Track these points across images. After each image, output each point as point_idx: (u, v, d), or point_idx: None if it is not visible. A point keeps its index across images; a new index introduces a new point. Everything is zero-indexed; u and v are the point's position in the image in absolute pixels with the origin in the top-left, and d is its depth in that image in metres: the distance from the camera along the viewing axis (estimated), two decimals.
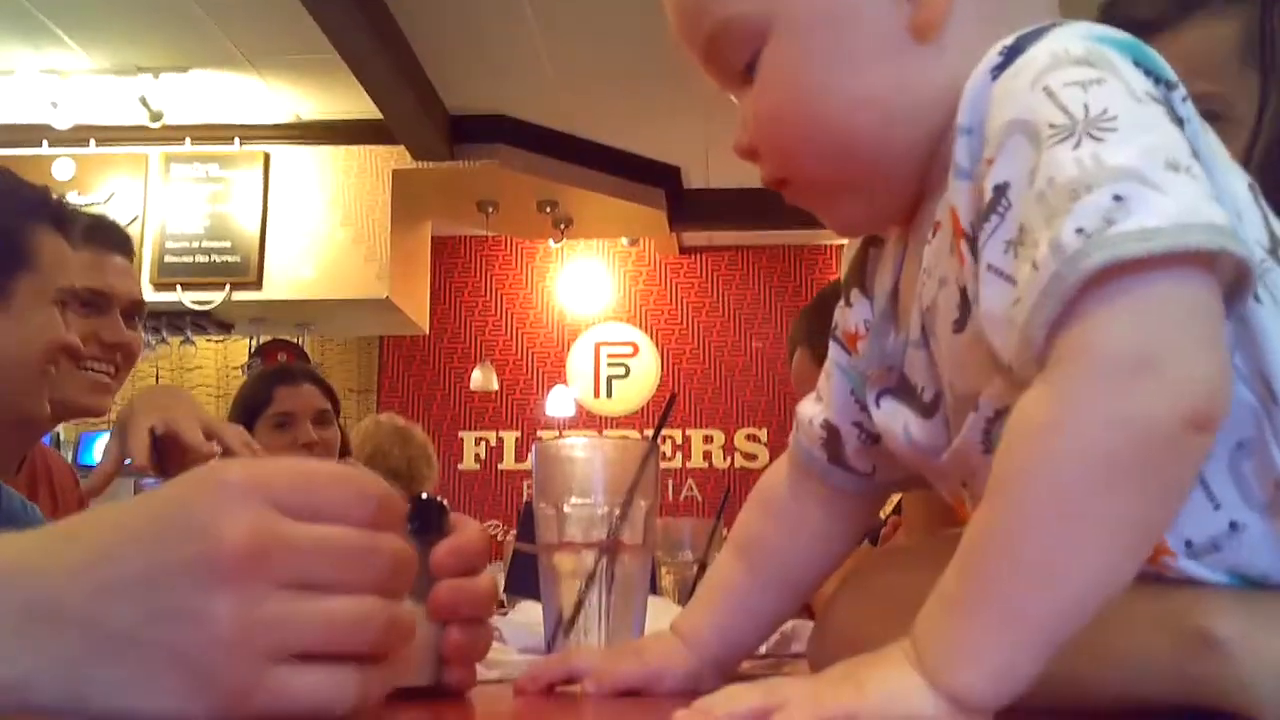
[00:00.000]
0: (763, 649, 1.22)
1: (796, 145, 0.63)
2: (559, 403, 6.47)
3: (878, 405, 0.67)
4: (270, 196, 5.08)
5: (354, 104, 4.73)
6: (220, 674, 0.45)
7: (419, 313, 5.61)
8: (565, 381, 6.66)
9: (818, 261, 6.70)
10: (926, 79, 0.59)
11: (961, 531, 0.69)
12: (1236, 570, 0.55)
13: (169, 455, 1.42)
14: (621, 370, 6.71)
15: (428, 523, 0.62)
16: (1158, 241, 0.44)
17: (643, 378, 6.69)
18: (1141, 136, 0.48)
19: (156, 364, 6.11)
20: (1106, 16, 1.11)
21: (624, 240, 6.61)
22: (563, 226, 5.80)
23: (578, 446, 0.93)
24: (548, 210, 5.61)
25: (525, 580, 1.11)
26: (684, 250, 6.72)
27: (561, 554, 0.90)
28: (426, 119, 4.74)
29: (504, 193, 5.42)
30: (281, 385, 2.53)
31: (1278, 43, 1.03)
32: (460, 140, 5.07)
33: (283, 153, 5.14)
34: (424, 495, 0.63)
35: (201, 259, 5.01)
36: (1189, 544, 0.54)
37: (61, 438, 5.52)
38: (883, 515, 3.72)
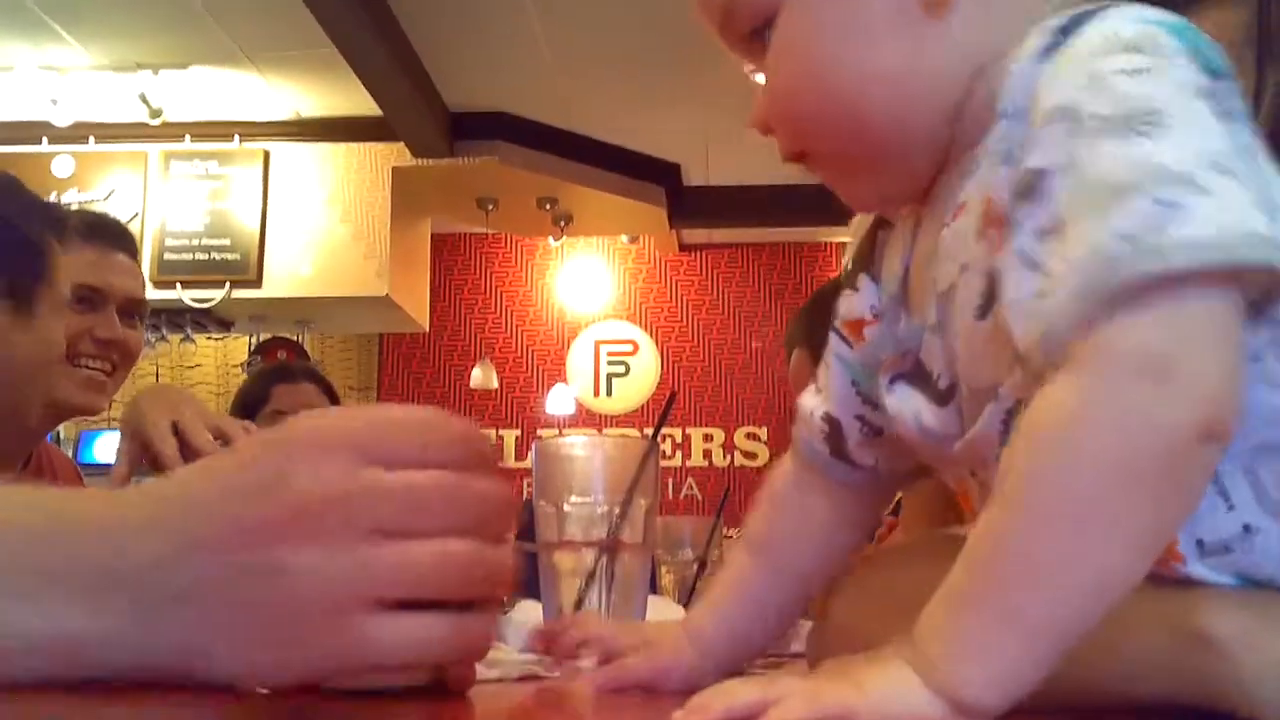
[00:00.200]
0: None
1: (808, 119, 0.63)
2: (559, 401, 6.47)
3: (890, 390, 0.66)
4: (270, 194, 5.08)
5: (354, 101, 4.73)
6: (307, 628, 0.44)
7: (419, 310, 5.61)
8: (565, 379, 6.66)
9: (818, 259, 6.70)
10: (939, 53, 0.59)
11: (959, 530, 0.69)
12: (1244, 573, 0.55)
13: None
14: (621, 368, 6.71)
15: None
16: (1204, 254, 0.44)
17: (643, 376, 6.69)
18: (1189, 136, 0.47)
19: (156, 362, 6.11)
20: None
21: (624, 238, 6.60)
22: (562, 224, 5.80)
23: (578, 445, 0.93)
24: (547, 207, 5.61)
25: (525, 579, 1.11)
26: (684, 248, 6.72)
27: (561, 553, 0.90)
28: (426, 116, 4.74)
29: (504, 190, 5.42)
30: (279, 383, 2.53)
31: (1274, 32, 1.02)
32: (460, 137, 5.07)
33: (282, 150, 5.14)
34: None
35: (201, 257, 5.00)
36: (1200, 544, 0.54)
37: (61, 435, 5.52)
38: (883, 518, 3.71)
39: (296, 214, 5.08)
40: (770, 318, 6.61)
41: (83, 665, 0.45)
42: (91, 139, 4.99)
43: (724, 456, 6.59)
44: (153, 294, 4.87)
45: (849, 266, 0.74)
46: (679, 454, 6.54)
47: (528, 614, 0.98)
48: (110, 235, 1.87)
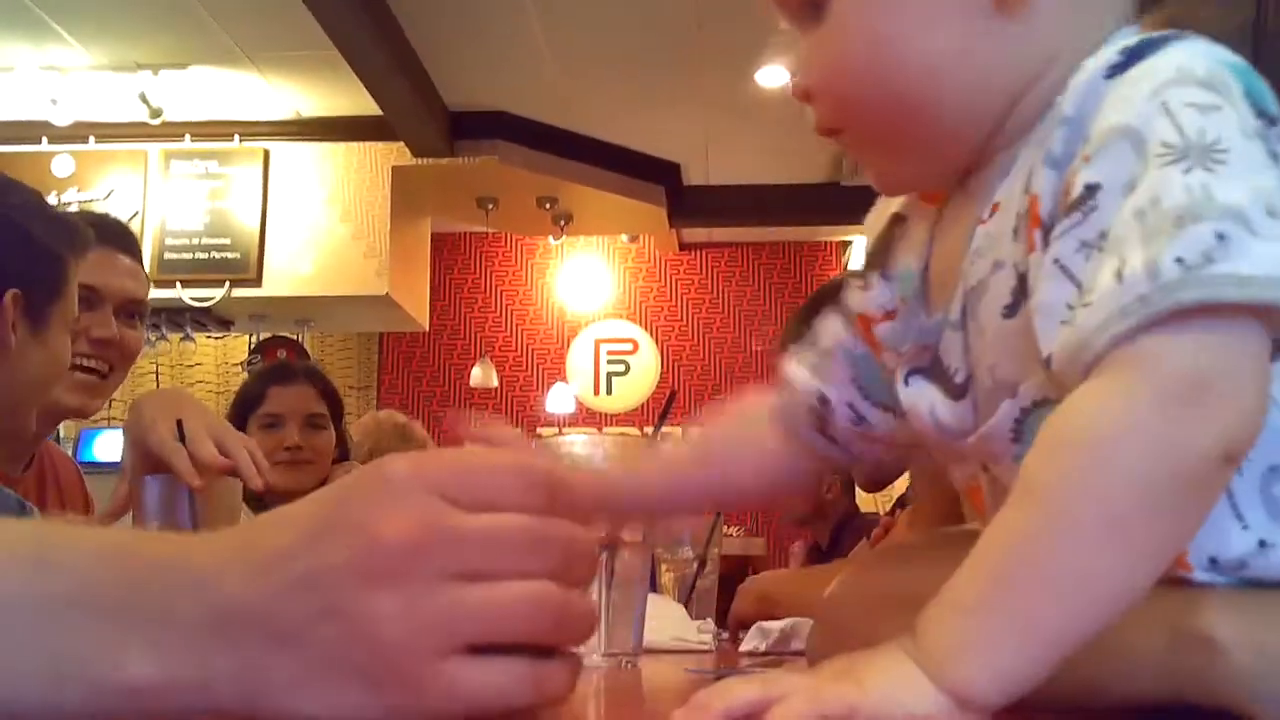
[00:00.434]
0: (763, 646, 1.23)
1: (857, 96, 0.62)
2: (559, 400, 6.47)
3: (906, 384, 0.66)
4: (270, 193, 5.08)
5: (354, 101, 4.73)
6: (390, 672, 0.44)
7: (419, 309, 5.61)
8: (565, 378, 6.66)
9: (818, 258, 6.70)
10: (1002, 52, 0.59)
11: (961, 530, 0.69)
12: (1255, 581, 0.55)
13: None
14: (621, 367, 6.71)
15: None
16: (1251, 291, 0.45)
17: (642, 374, 6.69)
18: (1250, 176, 0.48)
19: (156, 361, 6.11)
20: None
21: (624, 237, 6.61)
22: (562, 223, 5.80)
23: (578, 443, 0.93)
24: (547, 207, 5.61)
25: None
26: (684, 247, 6.72)
27: None
28: (426, 115, 4.74)
29: (504, 189, 5.42)
30: (275, 384, 2.50)
31: (1269, 33, 1.06)
32: (460, 136, 5.07)
33: (282, 149, 5.14)
34: None
35: (201, 256, 5.01)
36: (1214, 561, 0.55)
37: (61, 434, 5.52)
38: (880, 514, 3.72)
39: (296, 213, 5.08)
40: (770, 317, 6.61)
41: (183, 709, 0.46)
42: (91, 138, 4.99)
43: None
44: (152, 293, 4.85)
45: (863, 260, 0.74)
46: None
47: None
48: (111, 235, 1.86)
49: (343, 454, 2.57)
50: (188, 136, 5.06)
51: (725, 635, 1.44)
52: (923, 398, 0.64)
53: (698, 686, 0.49)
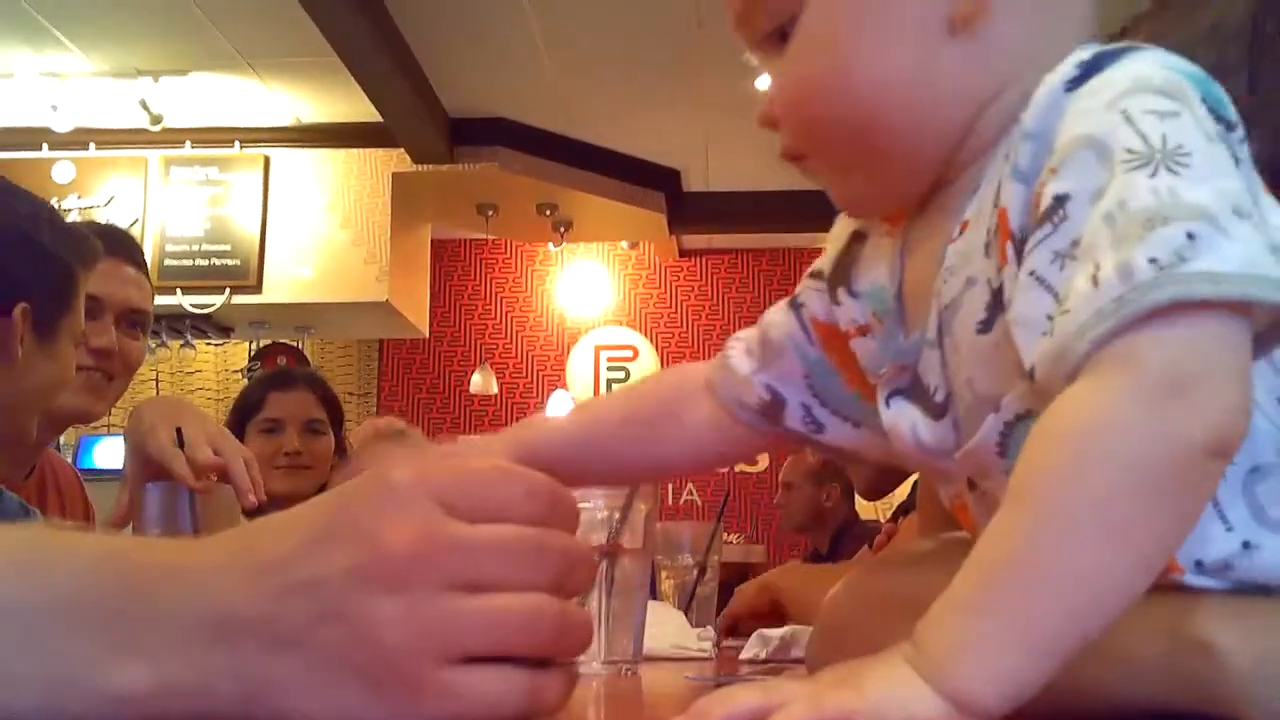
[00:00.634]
0: (763, 654, 1.22)
1: (820, 119, 0.63)
2: (559, 406, 6.47)
3: (887, 406, 0.66)
4: (270, 199, 5.09)
5: (354, 107, 4.74)
6: (388, 677, 0.44)
7: (419, 316, 5.62)
8: (565, 385, 6.66)
9: None
10: (961, 71, 0.59)
11: (960, 536, 0.69)
12: (1243, 583, 0.55)
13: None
14: (621, 374, 6.70)
15: None
16: (1224, 287, 0.46)
17: None
18: (1214, 178, 0.48)
19: (156, 368, 6.11)
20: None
21: (623, 243, 6.61)
22: (562, 229, 5.80)
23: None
24: (547, 213, 5.62)
25: None
26: (684, 253, 6.72)
27: None
28: (426, 121, 4.75)
29: (504, 196, 5.42)
30: (275, 390, 2.51)
31: (1266, 37, 1.08)
32: (460, 143, 5.07)
33: (283, 156, 5.14)
34: None
35: (201, 262, 5.01)
36: (1199, 564, 0.55)
37: (61, 441, 5.51)
38: (881, 521, 3.72)
39: (297, 219, 5.09)
40: None
41: (182, 714, 0.46)
42: (92, 145, 5.00)
43: None
44: (154, 300, 4.89)
45: (822, 270, 0.74)
46: None
47: None
48: (117, 245, 1.86)
49: (340, 459, 2.57)
50: (188, 143, 5.07)
51: (725, 641, 1.44)
52: (904, 418, 0.65)
53: (698, 694, 0.49)
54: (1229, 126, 0.52)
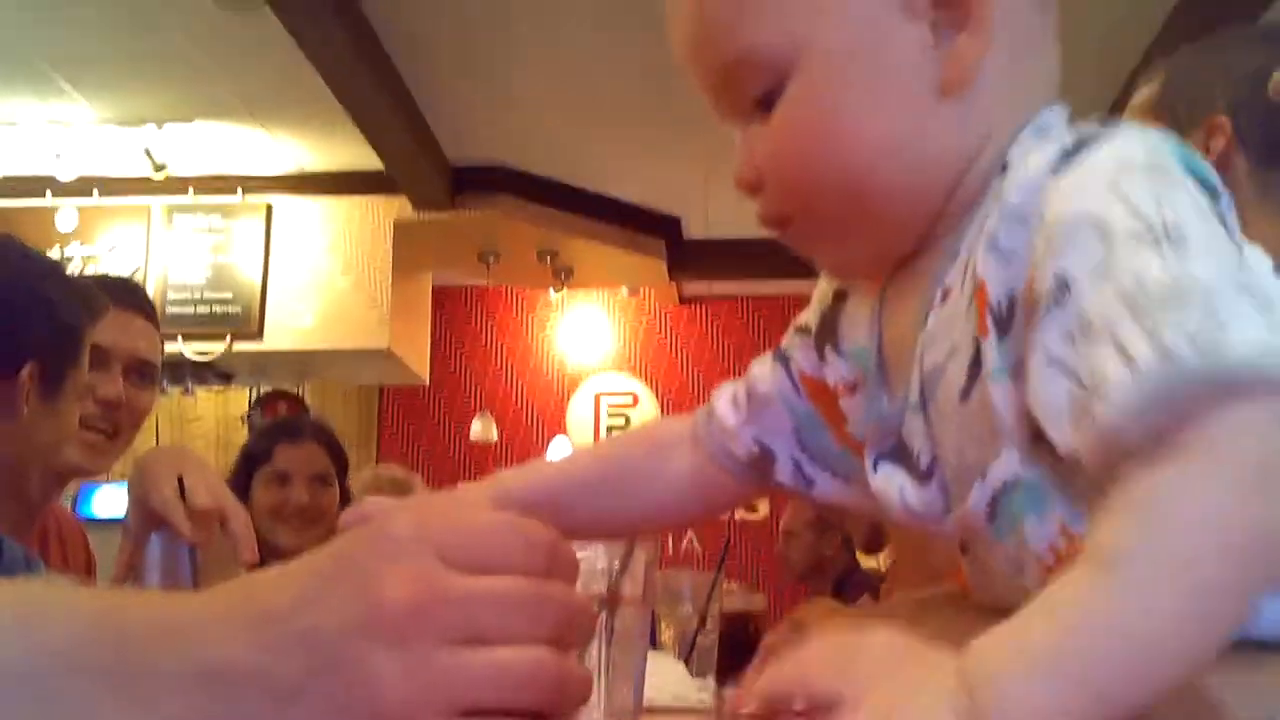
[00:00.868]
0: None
1: (811, 181, 0.63)
2: (559, 453, 6.45)
3: (874, 470, 0.66)
4: (272, 247, 5.10)
5: (356, 155, 4.77)
6: None
7: (419, 363, 5.62)
8: (565, 432, 6.64)
9: None
10: (947, 133, 0.60)
11: (949, 589, 0.69)
12: (1249, 641, 0.55)
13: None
14: (621, 421, 6.69)
15: None
16: (1267, 361, 0.45)
17: None
18: (1215, 253, 0.49)
19: (156, 415, 6.11)
20: None
21: (624, 290, 6.63)
22: (563, 276, 5.82)
23: None
24: (548, 260, 5.63)
25: None
26: (684, 300, 6.74)
27: None
28: (428, 169, 4.77)
29: (505, 243, 5.44)
30: (283, 442, 2.50)
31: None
32: (461, 191, 5.09)
33: (285, 203, 5.17)
34: None
35: (203, 309, 5.02)
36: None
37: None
38: (880, 568, 3.69)
39: (298, 267, 5.10)
40: None
41: None
42: (95, 192, 5.02)
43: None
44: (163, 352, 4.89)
45: (809, 326, 0.75)
46: None
47: None
48: (127, 297, 1.86)
49: (345, 506, 2.57)
50: (191, 190, 5.09)
51: (725, 691, 1.42)
52: (892, 483, 0.65)
53: None
54: (1213, 194, 0.52)
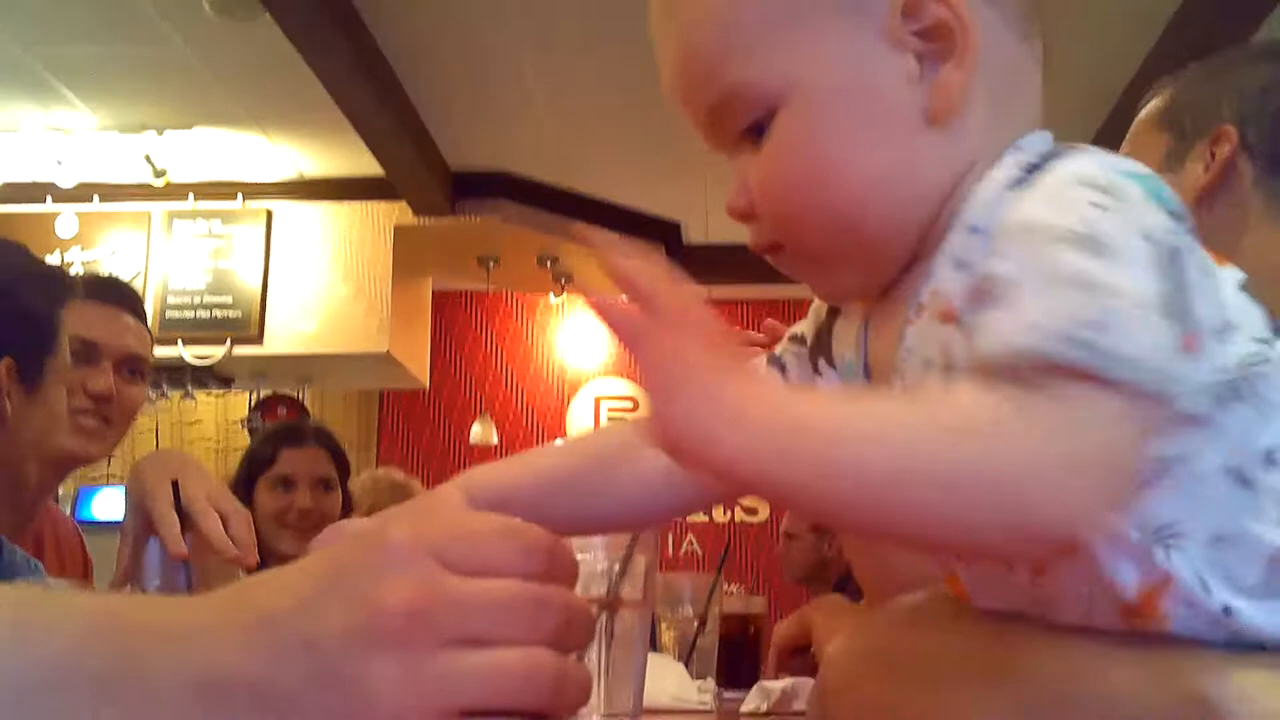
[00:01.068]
0: (764, 706, 1.22)
1: (803, 214, 0.64)
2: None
3: None
4: (272, 252, 5.11)
5: (356, 161, 4.77)
6: None
7: (419, 367, 5.62)
8: (565, 435, 6.64)
9: None
10: (936, 163, 0.61)
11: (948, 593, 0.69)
12: (1232, 640, 0.55)
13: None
14: None
15: None
16: (1116, 365, 0.48)
17: None
18: (1130, 269, 0.50)
19: (156, 419, 6.11)
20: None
21: (624, 295, 6.61)
22: (563, 281, 5.82)
23: None
24: (548, 265, 5.64)
25: None
26: None
27: None
28: (428, 175, 4.78)
29: (505, 248, 5.44)
30: (287, 447, 2.51)
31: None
32: (461, 196, 5.10)
33: (285, 209, 5.17)
34: None
35: (203, 314, 5.02)
36: (1191, 606, 0.55)
37: (60, 492, 5.50)
38: None
39: (298, 272, 5.11)
40: None
41: None
42: (96, 198, 5.02)
43: (724, 512, 6.56)
44: (154, 351, 4.89)
45: (804, 336, 0.76)
46: None
47: None
48: (117, 295, 1.88)
49: (346, 513, 2.57)
50: (191, 196, 5.10)
51: (724, 693, 1.43)
52: None
53: None
54: (1177, 219, 0.53)
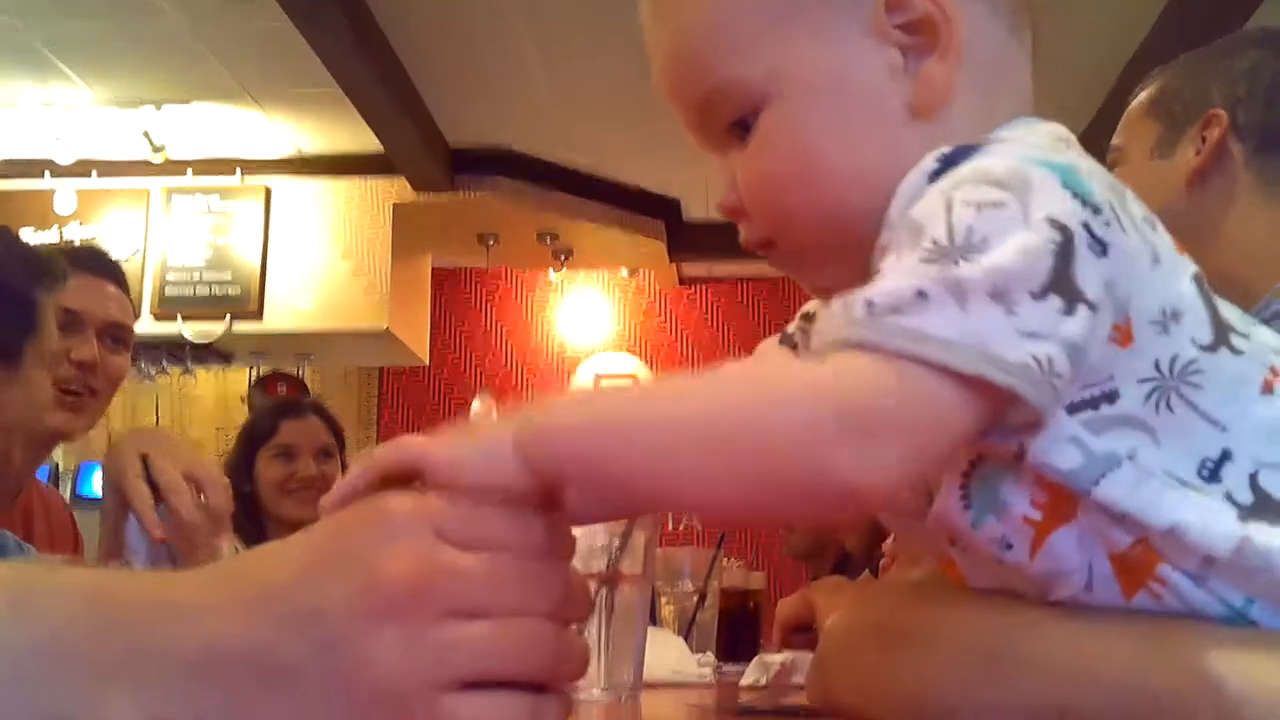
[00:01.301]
0: (763, 680, 1.22)
1: (792, 210, 0.64)
2: None
3: None
4: (271, 228, 5.10)
5: (355, 137, 4.76)
6: (387, 707, 0.45)
7: (419, 344, 5.62)
8: None
9: None
10: (924, 154, 0.61)
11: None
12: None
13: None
14: None
15: None
16: (921, 348, 0.48)
17: None
18: (996, 257, 0.50)
19: (156, 395, 6.11)
20: None
21: (623, 271, 6.62)
22: (563, 258, 5.82)
23: None
24: (548, 242, 5.63)
25: None
26: (684, 281, 6.73)
27: None
28: (427, 151, 4.76)
29: (504, 225, 5.43)
30: (287, 418, 2.60)
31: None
32: (461, 172, 5.09)
33: (284, 185, 5.16)
34: None
35: (202, 291, 5.02)
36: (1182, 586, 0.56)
37: (60, 468, 5.51)
38: (883, 546, 3.70)
39: (297, 248, 5.10)
40: None
41: None
42: (94, 174, 5.01)
43: None
44: (153, 327, 4.91)
45: (814, 315, 0.76)
46: None
47: None
48: (98, 265, 1.89)
49: None
50: (190, 173, 5.09)
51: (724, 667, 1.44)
52: None
53: None
54: (1094, 208, 0.53)
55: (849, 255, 0.64)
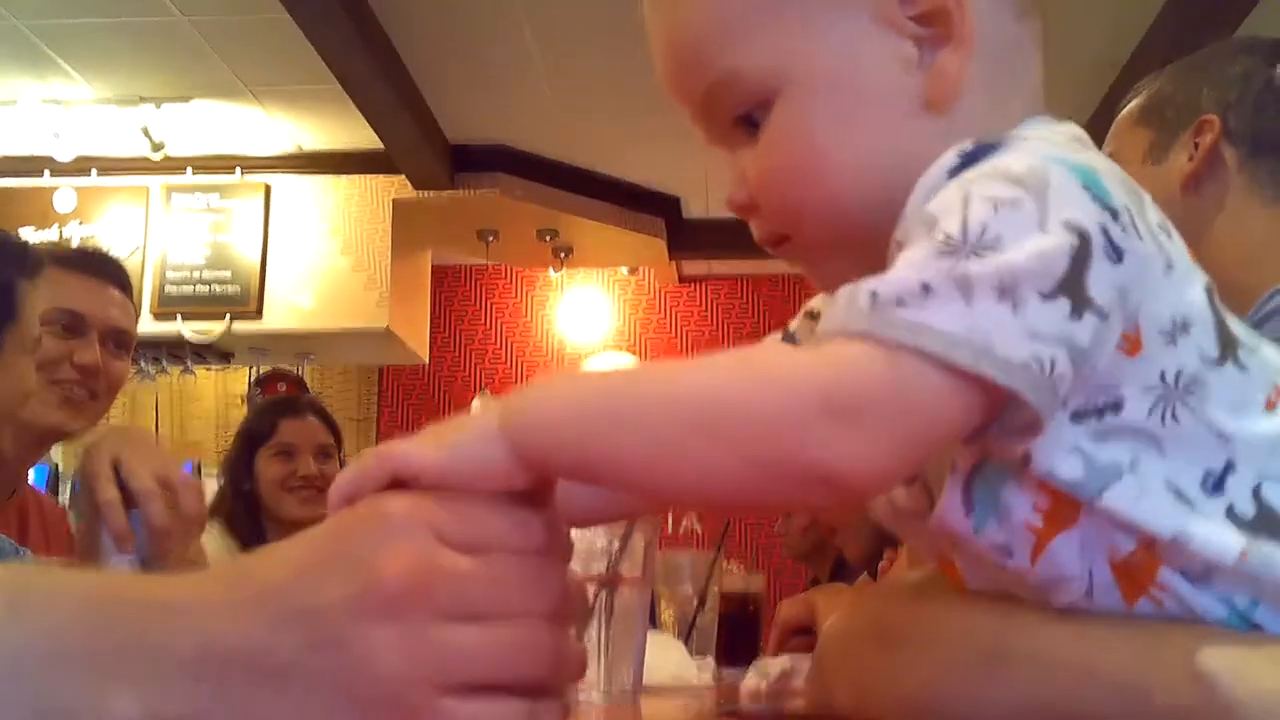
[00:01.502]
0: (764, 683, 1.22)
1: (805, 205, 0.63)
2: None
3: None
4: (271, 226, 5.09)
5: (355, 134, 4.75)
6: (384, 706, 0.45)
7: (419, 342, 5.62)
8: None
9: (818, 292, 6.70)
10: (934, 149, 0.60)
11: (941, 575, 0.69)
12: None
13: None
14: None
15: None
16: (920, 339, 0.48)
17: None
18: (1008, 256, 0.49)
19: (156, 394, 6.11)
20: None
21: (623, 269, 6.62)
22: (563, 255, 5.81)
23: None
24: (548, 239, 5.63)
25: None
26: (684, 279, 6.73)
27: None
28: (427, 148, 4.76)
29: (504, 222, 5.43)
30: (285, 417, 2.62)
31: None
32: (461, 169, 5.08)
33: (283, 182, 5.15)
34: None
35: (202, 289, 5.01)
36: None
37: (60, 468, 5.50)
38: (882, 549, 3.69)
39: (297, 246, 5.09)
40: None
41: None
42: (94, 172, 5.01)
43: None
44: (153, 326, 4.90)
45: (818, 314, 0.75)
46: None
47: None
48: (104, 268, 1.88)
49: None
50: (189, 170, 5.08)
51: (725, 670, 1.43)
52: None
53: None
54: (1113, 211, 0.52)
55: (863, 250, 0.63)
